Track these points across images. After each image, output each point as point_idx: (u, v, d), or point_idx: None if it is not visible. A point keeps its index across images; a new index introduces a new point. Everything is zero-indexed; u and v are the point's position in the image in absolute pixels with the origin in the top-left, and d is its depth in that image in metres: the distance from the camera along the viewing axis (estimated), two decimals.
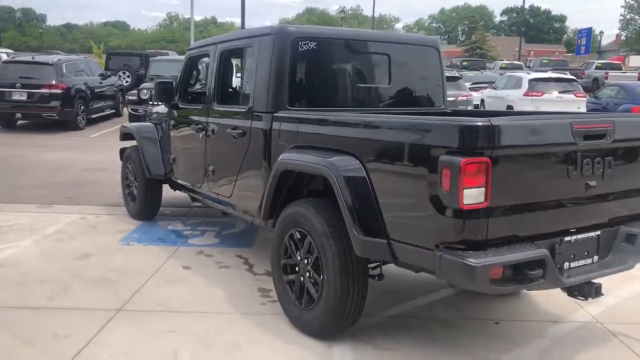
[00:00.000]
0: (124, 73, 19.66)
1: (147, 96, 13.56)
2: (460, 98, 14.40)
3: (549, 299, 4.21)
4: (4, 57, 20.08)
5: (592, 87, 25.75)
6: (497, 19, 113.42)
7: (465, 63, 40.40)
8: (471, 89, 17.86)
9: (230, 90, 5.26)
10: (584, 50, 44.79)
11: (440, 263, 2.78)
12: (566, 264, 3.09)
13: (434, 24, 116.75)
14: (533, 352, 3.52)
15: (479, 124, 2.68)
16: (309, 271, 3.55)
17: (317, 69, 4.36)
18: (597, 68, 31.42)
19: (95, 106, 15.15)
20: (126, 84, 18.57)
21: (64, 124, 13.82)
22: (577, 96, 15.91)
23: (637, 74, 28.90)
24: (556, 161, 3.01)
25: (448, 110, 4.92)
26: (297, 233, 3.64)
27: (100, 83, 15.62)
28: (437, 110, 4.79)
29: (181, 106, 5.52)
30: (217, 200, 4.89)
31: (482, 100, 18.32)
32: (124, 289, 4.31)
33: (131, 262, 4.92)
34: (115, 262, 4.90)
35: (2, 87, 13.32)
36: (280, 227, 3.80)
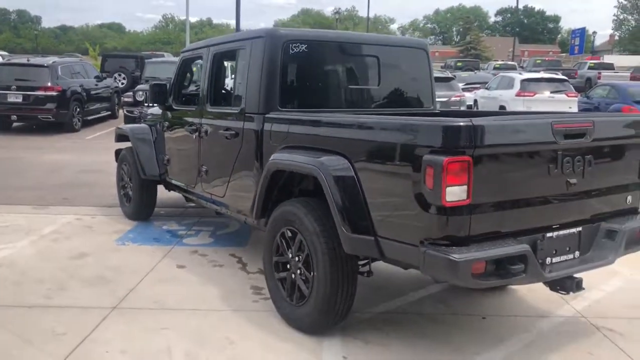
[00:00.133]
0: (119, 75, 19.66)
1: (143, 98, 13.60)
2: (453, 99, 14.49)
3: (535, 295, 4.31)
4: None
5: (585, 86, 25.95)
6: (492, 19, 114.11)
7: (459, 64, 40.75)
8: (464, 90, 17.92)
9: (223, 92, 5.35)
10: (577, 50, 45.01)
11: (425, 258, 2.87)
12: (548, 259, 3.19)
13: (429, 25, 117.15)
14: (518, 346, 3.61)
15: (461, 124, 2.77)
16: (300, 268, 3.63)
17: (308, 71, 4.44)
18: (590, 68, 31.65)
19: (91, 108, 15.18)
20: (122, 86, 18.58)
21: (59, 126, 13.88)
22: (568, 96, 16.01)
23: (629, 74, 29.12)
24: (537, 160, 3.11)
25: (436, 111, 5.01)
26: (288, 231, 3.72)
27: (96, 85, 15.66)
28: (424, 111, 4.88)
29: (175, 108, 5.59)
30: (211, 200, 4.97)
31: (475, 101, 18.42)
32: (119, 287, 4.39)
33: (127, 261, 4.99)
34: (111, 262, 4.98)
35: None
36: (272, 226, 3.88)
